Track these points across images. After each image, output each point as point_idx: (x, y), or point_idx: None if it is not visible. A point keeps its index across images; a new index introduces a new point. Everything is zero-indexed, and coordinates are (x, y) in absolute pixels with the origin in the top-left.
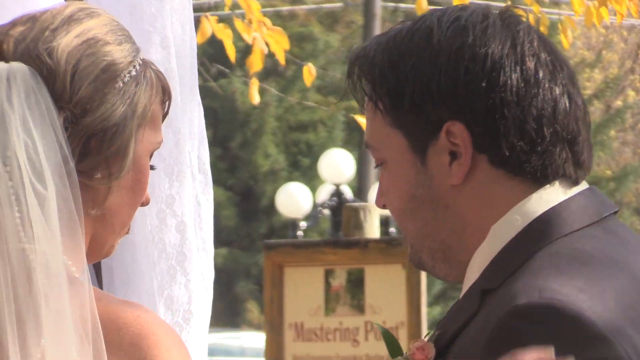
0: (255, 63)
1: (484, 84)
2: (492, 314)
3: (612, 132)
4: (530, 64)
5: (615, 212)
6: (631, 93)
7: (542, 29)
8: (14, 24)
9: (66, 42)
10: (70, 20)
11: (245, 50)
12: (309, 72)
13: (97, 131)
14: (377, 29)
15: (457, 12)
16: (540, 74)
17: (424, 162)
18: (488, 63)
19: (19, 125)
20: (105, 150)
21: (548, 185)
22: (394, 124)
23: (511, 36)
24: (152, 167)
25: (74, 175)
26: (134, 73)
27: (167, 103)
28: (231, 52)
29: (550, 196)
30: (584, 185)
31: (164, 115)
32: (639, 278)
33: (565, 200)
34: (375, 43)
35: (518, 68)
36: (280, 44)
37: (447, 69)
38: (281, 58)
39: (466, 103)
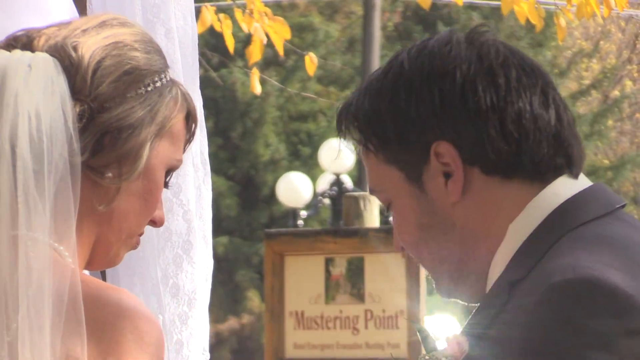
0: (255, 53)
1: (459, 100)
2: (524, 299)
3: (610, 122)
4: (499, 70)
5: (624, 206)
6: (628, 83)
7: (538, 20)
8: (50, 25)
9: (93, 40)
10: (103, 25)
11: (246, 41)
12: (311, 61)
13: (112, 129)
14: (377, 20)
15: (423, 43)
16: (512, 78)
17: (422, 189)
18: (458, 79)
19: (32, 112)
20: (118, 148)
21: (555, 181)
22: (387, 160)
23: (476, 50)
24: (166, 185)
25: (78, 168)
26: (158, 84)
27: (192, 126)
28: (230, 43)
29: (562, 190)
30: (587, 180)
31: (189, 140)
32: None
33: (579, 193)
34: (356, 92)
35: (488, 77)
36: (280, 34)
37: (421, 94)
38: (280, 48)
39: (446, 121)
